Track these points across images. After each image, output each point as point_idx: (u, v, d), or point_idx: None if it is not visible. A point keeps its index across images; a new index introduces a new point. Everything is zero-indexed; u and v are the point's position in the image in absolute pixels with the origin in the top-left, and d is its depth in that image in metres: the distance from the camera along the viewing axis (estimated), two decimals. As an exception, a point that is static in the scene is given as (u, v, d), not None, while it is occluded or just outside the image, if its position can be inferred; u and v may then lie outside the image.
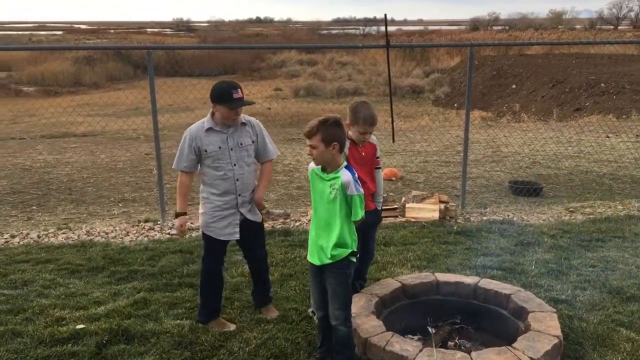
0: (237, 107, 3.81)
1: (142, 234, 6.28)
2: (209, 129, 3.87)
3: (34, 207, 7.67)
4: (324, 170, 3.35)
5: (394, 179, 8.90)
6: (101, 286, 4.76)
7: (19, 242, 5.99)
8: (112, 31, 78.94)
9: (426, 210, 6.61)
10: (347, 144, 3.98)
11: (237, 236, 3.98)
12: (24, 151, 11.46)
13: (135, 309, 4.28)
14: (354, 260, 3.41)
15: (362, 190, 3.30)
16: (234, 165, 3.87)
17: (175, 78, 17.48)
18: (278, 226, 6.44)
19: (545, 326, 3.52)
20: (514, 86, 22.43)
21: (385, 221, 6.51)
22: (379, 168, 4.23)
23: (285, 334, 3.90)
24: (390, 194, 7.15)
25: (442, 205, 6.65)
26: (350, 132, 3.96)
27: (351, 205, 3.31)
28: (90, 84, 24.50)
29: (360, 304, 3.82)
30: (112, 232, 6.36)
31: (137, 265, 5.23)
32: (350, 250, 3.36)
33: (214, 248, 4.01)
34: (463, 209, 7.02)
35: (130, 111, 16.24)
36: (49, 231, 6.39)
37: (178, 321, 4.09)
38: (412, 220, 6.53)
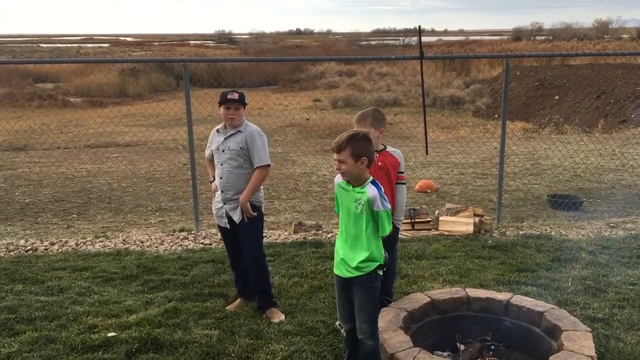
0: (225, 104, 4.31)
1: (176, 243, 6.38)
2: (217, 130, 4.50)
3: (74, 216, 7.88)
4: (349, 183, 3.33)
5: (429, 191, 8.80)
6: (134, 294, 4.85)
7: (57, 250, 6.16)
8: (156, 43, 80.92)
9: (460, 224, 6.51)
10: None
11: (226, 225, 4.45)
12: (68, 160, 11.81)
13: (166, 318, 4.33)
14: (381, 273, 3.38)
15: (389, 205, 3.27)
16: (221, 165, 4.38)
17: (217, 89, 17.76)
18: (310, 237, 6.44)
19: (579, 346, 3.40)
20: (556, 97, 21.94)
21: (418, 234, 6.45)
22: (402, 184, 4.12)
23: (312, 347, 3.88)
24: (424, 206, 7.06)
25: (477, 219, 6.53)
26: None
27: (378, 220, 3.28)
28: (134, 95, 25.11)
29: (388, 318, 3.77)
30: (147, 240, 6.48)
31: (169, 274, 5.31)
32: (377, 264, 3.33)
33: (220, 233, 4.73)
34: (499, 223, 6.88)
35: (171, 122, 16.58)
36: (87, 239, 6.55)
37: (207, 331, 4.12)
38: (446, 233, 6.43)
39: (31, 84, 27.98)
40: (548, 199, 8.05)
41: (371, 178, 3.34)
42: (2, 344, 3.95)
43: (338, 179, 3.43)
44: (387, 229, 3.31)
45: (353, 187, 3.32)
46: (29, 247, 6.27)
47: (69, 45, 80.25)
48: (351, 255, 3.36)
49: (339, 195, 3.44)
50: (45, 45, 75.57)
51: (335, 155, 3.31)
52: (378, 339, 3.44)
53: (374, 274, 3.35)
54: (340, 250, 3.42)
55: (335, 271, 3.49)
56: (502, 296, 4.06)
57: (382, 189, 3.31)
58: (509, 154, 10.60)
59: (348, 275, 3.37)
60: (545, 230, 6.63)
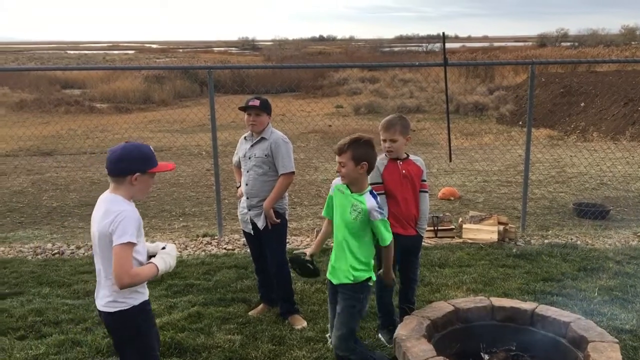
0: (245, 110, 4.38)
1: (199, 248, 6.43)
2: (245, 138, 4.54)
3: (100, 220, 7.99)
4: (348, 187, 3.33)
5: (452, 198, 8.74)
6: (158, 298, 4.89)
7: (83, 254, 6.26)
8: (181, 50, 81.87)
9: (484, 232, 6.45)
10: (385, 161, 3.97)
11: (250, 231, 4.48)
12: (95, 165, 11.98)
13: (189, 322, 4.37)
14: (371, 284, 3.36)
15: (385, 214, 3.27)
16: (247, 171, 4.42)
17: (240, 95, 17.90)
18: (331, 244, 6.42)
19: (606, 357, 3.34)
20: (582, 104, 21.62)
21: (441, 242, 6.41)
22: (425, 192, 4.10)
23: (334, 354, 3.87)
24: (447, 214, 7.01)
25: (501, 227, 6.47)
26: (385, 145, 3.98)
27: (375, 231, 3.28)
28: (159, 101, 25.38)
29: (411, 327, 3.74)
30: (171, 245, 6.54)
31: (193, 279, 5.35)
32: (367, 276, 3.30)
33: (245, 238, 4.79)
34: (523, 231, 6.80)
35: (195, 127, 16.74)
36: (113, 243, 6.63)
37: (229, 336, 4.15)
38: (469, 241, 6.38)
39: (59, 90, 28.48)
40: (574, 207, 7.94)
41: (369, 188, 3.32)
42: (29, 346, 4.03)
43: (337, 181, 3.43)
44: (387, 238, 3.29)
45: (351, 191, 3.31)
46: (55, 251, 6.38)
47: (95, 52, 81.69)
48: (340, 261, 3.36)
49: (335, 198, 3.44)
50: (72, 52, 76.98)
51: (336, 158, 3.31)
52: (362, 353, 3.40)
53: (361, 285, 3.30)
54: (332, 255, 3.43)
55: (328, 276, 3.50)
56: (527, 306, 4.01)
57: (378, 199, 3.32)
58: (534, 162, 10.48)
59: (336, 281, 3.36)
60: (571, 239, 6.54)
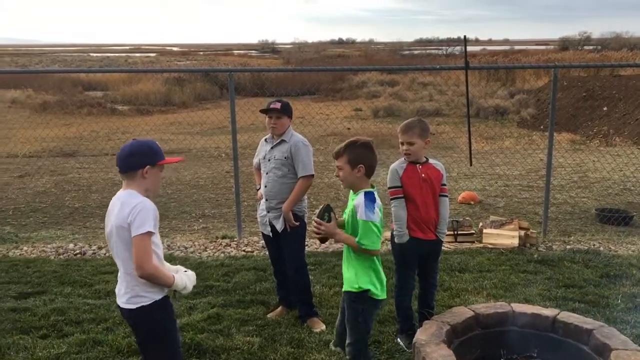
0: (266, 113, 4.42)
1: (219, 250, 6.47)
2: (265, 140, 4.56)
3: (121, 221, 8.07)
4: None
5: (472, 202, 8.67)
6: (178, 300, 4.92)
7: (105, 254, 6.32)
8: (201, 53, 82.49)
9: (505, 237, 6.39)
10: (404, 165, 3.95)
11: (269, 233, 4.50)
12: (116, 167, 12.14)
13: (209, 323, 4.40)
14: (374, 297, 3.26)
15: (375, 218, 3.14)
16: (267, 173, 4.43)
17: (259, 98, 17.99)
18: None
19: (630, 366, 3.28)
20: (605, 108, 21.33)
21: (461, 246, 6.36)
22: (445, 196, 4.07)
23: None
24: (467, 218, 6.96)
25: (522, 232, 6.40)
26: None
27: (358, 229, 3.17)
28: (180, 103, 25.57)
29: (430, 331, 3.72)
30: (191, 246, 6.59)
31: (212, 280, 5.38)
32: (366, 288, 3.22)
33: (264, 240, 4.77)
34: (545, 237, 6.73)
35: (214, 130, 16.85)
36: (133, 244, 6.70)
37: (248, 338, 4.16)
38: (490, 246, 6.33)
39: (81, 91, 28.85)
40: (596, 213, 7.83)
41: (368, 189, 3.24)
42: (51, 345, 4.09)
43: None
44: (364, 242, 3.14)
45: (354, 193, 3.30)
46: (77, 251, 6.47)
47: (117, 54, 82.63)
48: (345, 268, 3.34)
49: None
50: (95, 55, 78.00)
51: (335, 162, 3.29)
52: None
53: (360, 295, 3.23)
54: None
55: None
56: (549, 312, 3.96)
57: (376, 200, 3.21)
58: (556, 166, 10.36)
59: (344, 288, 3.34)
60: (594, 245, 6.45)
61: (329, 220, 3.22)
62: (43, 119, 16.26)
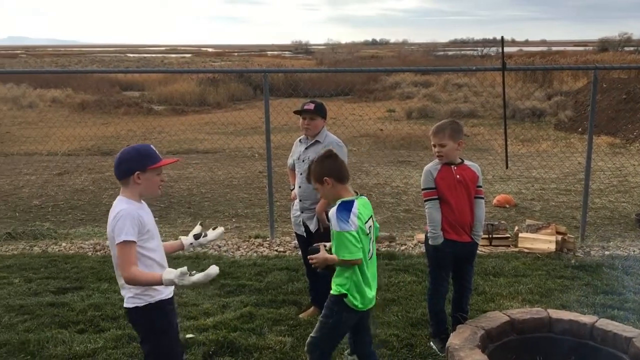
0: (300, 114, 4.45)
1: (251, 250, 6.51)
2: (299, 141, 4.60)
3: (156, 219, 8.15)
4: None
5: (507, 206, 8.54)
6: (211, 298, 4.98)
7: (141, 251, 6.43)
8: (235, 54, 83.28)
9: (541, 241, 6.27)
10: (438, 166, 3.91)
11: (303, 233, 4.54)
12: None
13: (241, 322, 4.43)
14: (348, 303, 3.19)
15: (349, 227, 3.08)
16: (301, 174, 4.42)
17: (293, 98, 18.04)
18: (383, 249, 6.40)
19: (673, 377, 3.18)
20: (646, 111, 20.73)
21: (496, 250, 6.27)
22: (481, 198, 4.01)
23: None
24: (503, 222, 6.85)
25: (559, 237, 6.27)
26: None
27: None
28: (214, 103, 25.86)
29: (464, 336, 3.67)
30: (224, 245, 6.66)
31: (245, 279, 5.42)
32: (343, 292, 3.18)
33: (297, 240, 4.85)
34: (582, 242, 6.58)
35: (248, 130, 16.98)
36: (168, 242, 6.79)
37: (280, 338, 4.18)
38: (526, 250, 6.22)
39: (119, 91, 29.47)
40: (637, 218, 7.62)
41: (346, 198, 3.19)
42: (88, 340, 4.17)
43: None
44: (341, 253, 3.09)
45: None
46: (114, 248, 6.58)
47: (154, 55, 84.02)
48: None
49: None
50: (132, 55, 79.47)
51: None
52: None
53: (336, 298, 3.20)
54: None
55: None
56: (587, 319, 3.86)
57: (353, 208, 3.14)
58: (595, 170, 10.12)
59: None
60: (634, 251, 6.28)
61: (318, 251, 3.23)
62: (82, 118, 16.65)
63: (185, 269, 2.64)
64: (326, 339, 3.28)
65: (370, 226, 3.26)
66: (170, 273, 2.67)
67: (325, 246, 3.26)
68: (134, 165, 2.90)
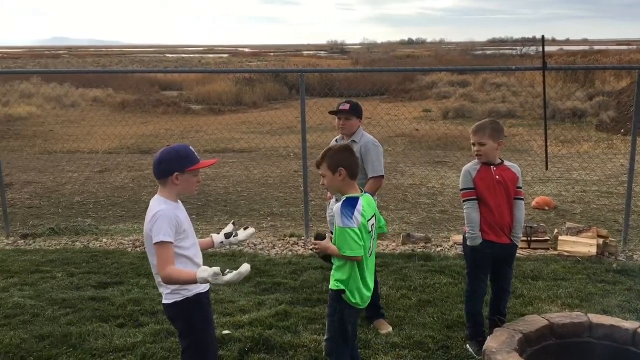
0: (336, 114, 4.46)
1: (287, 248, 6.56)
2: (336, 141, 4.51)
3: (194, 217, 8.33)
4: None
5: (547, 208, 8.37)
6: (247, 295, 5.04)
7: (178, 248, 6.54)
8: (272, 54, 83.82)
9: (582, 245, 6.13)
10: (477, 166, 3.86)
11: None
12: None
13: (277, 320, 4.47)
14: (347, 301, 3.18)
15: (351, 224, 3.07)
16: None
17: (329, 98, 18.09)
18: (418, 250, 6.36)
19: None
20: (694, 111, 20.06)
21: (534, 253, 6.16)
22: (521, 199, 3.96)
23: (419, 362, 3.82)
24: (542, 224, 6.72)
25: (601, 240, 6.12)
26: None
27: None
28: (250, 103, 26.10)
29: (502, 340, 3.62)
30: (260, 244, 6.72)
31: (280, 277, 5.46)
32: (342, 288, 3.17)
33: None
34: (625, 246, 6.40)
35: (283, 130, 17.08)
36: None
37: (315, 336, 4.19)
38: (565, 254, 6.09)
39: (158, 91, 30.01)
40: (683, 222, 7.38)
41: (353, 194, 3.18)
42: (128, 334, 4.27)
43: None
44: (343, 249, 3.09)
45: None
46: (153, 244, 6.71)
47: (192, 55, 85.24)
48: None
49: None
50: (171, 56, 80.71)
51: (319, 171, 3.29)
52: None
53: (336, 294, 3.20)
54: None
55: None
56: (629, 325, 3.76)
57: (357, 205, 3.11)
58: (638, 172, 9.84)
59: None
60: (679, 256, 6.08)
61: (324, 239, 3.24)
62: (122, 117, 16.99)
63: (218, 269, 2.66)
64: (338, 337, 3.29)
65: (373, 224, 3.25)
66: (204, 272, 2.70)
67: (332, 235, 3.28)
68: (173, 166, 2.94)
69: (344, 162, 3.19)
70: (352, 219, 3.09)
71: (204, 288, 3.01)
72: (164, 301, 3.01)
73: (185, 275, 2.82)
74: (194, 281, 2.76)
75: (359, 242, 3.10)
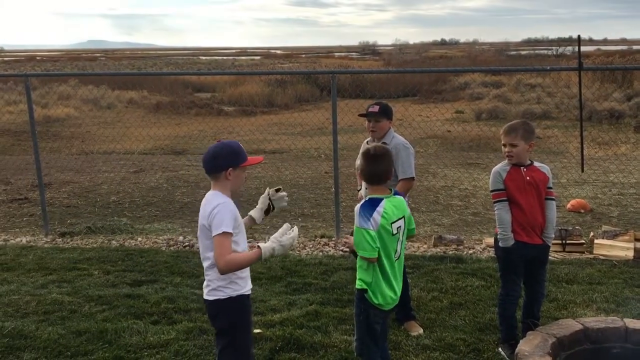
0: (365, 117, 4.45)
1: (317, 249, 6.59)
2: (367, 142, 4.48)
3: (226, 217, 8.42)
4: None
5: (582, 211, 8.21)
6: (278, 295, 5.08)
7: (211, 247, 6.64)
8: (303, 56, 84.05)
9: (618, 248, 6.00)
10: (507, 167, 3.84)
11: None
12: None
13: (307, 320, 4.50)
14: (369, 300, 3.19)
15: (367, 225, 3.09)
16: None
17: (360, 99, 18.06)
18: (450, 252, 6.31)
19: None
20: None
21: (569, 256, 6.06)
22: (552, 199, 3.92)
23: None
24: (577, 227, 6.60)
25: (638, 244, 5.98)
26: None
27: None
28: (281, 104, 26.25)
29: (534, 343, 3.58)
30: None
31: (311, 278, 5.49)
32: (364, 287, 3.19)
33: None
34: (664, 250, 6.23)
35: (314, 131, 17.13)
36: (237, 239, 6.99)
37: (345, 337, 4.21)
38: (601, 257, 5.97)
39: (191, 93, 30.42)
40: None
41: (376, 195, 3.20)
42: (161, 331, 4.36)
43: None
44: (359, 249, 3.13)
45: None
46: (186, 243, 6.83)
47: (225, 57, 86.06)
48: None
49: None
50: (204, 58, 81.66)
51: None
52: None
53: (359, 293, 3.24)
54: None
55: None
56: (667, 331, 3.68)
57: (379, 206, 3.13)
58: (678, 175, 9.59)
59: None
60: None
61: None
62: (156, 118, 17.32)
63: (287, 224, 2.96)
64: (366, 337, 3.29)
65: (400, 227, 3.23)
66: (268, 247, 2.85)
67: None
68: (228, 161, 2.98)
69: (362, 169, 3.30)
70: (369, 220, 3.11)
71: (247, 290, 3.04)
72: (206, 297, 3.02)
73: (246, 257, 2.88)
74: (257, 258, 2.83)
75: (371, 244, 3.11)
